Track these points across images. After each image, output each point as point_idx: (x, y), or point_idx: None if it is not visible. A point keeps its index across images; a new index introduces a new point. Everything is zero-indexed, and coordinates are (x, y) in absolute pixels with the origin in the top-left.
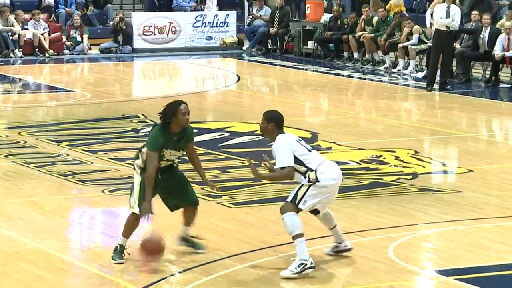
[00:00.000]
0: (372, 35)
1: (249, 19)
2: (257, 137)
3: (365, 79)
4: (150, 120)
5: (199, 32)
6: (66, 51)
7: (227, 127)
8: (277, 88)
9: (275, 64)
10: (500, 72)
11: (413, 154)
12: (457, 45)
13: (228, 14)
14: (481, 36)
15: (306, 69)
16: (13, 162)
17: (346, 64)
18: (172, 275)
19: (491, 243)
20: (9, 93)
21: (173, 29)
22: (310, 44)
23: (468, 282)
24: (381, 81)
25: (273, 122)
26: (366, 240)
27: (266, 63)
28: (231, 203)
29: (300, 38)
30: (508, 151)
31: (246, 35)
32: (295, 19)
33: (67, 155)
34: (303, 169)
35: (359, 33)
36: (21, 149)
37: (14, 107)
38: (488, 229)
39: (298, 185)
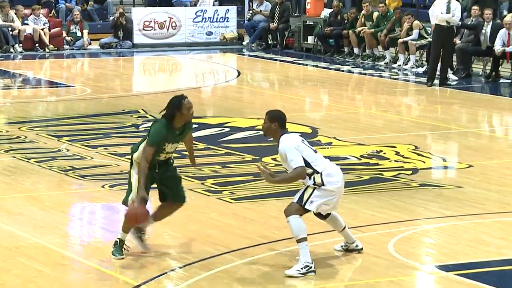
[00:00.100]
0: (372, 30)
1: (249, 14)
2: (257, 133)
3: (365, 74)
4: (150, 115)
5: (199, 27)
6: (66, 46)
7: (227, 122)
8: (277, 84)
9: (275, 59)
10: (500, 67)
11: (413, 150)
12: (457, 41)
13: (228, 9)
14: (483, 31)
15: (306, 65)
16: (13, 157)
17: (346, 60)
18: (172, 270)
19: (491, 238)
20: (9, 88)
21: (173, 24)
22: (310, 39)
23: (468, 278)
24: (381, 76)
25: (276, 122)
26: (366, 236)
27: (266, 58)
28: (231, 198)
29: (300, 33)
30: (508, 147)
31: (246, 30)
32: (295, 14)
33: (67, 150)
34: (309, 170)
35: (359, 28)
36: (21, 144)
37: (14, 102)
38: (488, 225)
39: (303, 187)
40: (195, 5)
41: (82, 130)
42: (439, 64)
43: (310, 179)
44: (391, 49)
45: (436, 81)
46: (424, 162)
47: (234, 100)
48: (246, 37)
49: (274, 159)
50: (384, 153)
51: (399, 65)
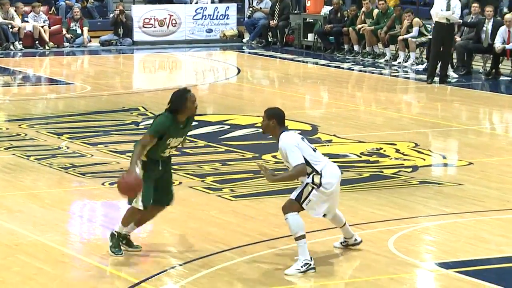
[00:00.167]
0: (373, 27)
1: (249, 12)
2: (258, 130)
3: (365, 71)
4: (151, 112)
5: (199, 25)
6: (66, 44)
7: (227, 120)
8: (277, 81)
9: (275, 57)
10: (500, 64)
11: (414, 147)
12: (457, 38)
13: (228, 7)
14: (484, 29)
15: (307, 62)
16: (13, 154)
17: (347, 57)
18: (172, 267)
19: (491, 235)
20: (9, 86)
21: (173, 21)
22: (310, 36)
23: (468, 275)
24: (381, 73)
25: (275, 119)
26: (366, 233)
27: (266, 55)
28: (231, 196)
29: (301, 31)
30: (508, 144)
31: (246, 28)
32: (295, 12)
33: (67, 147)
34: (309, 169)
35: (359, 26)
36: (21, 142)
37: (14, 99)
38: (488, 222)
39: (302, 184)
40: (196, 3)
41: (82, 127)
42: (439, 61)
43: (308, 178)
44: (391, 46)
45: (436, 79)
46: (424, 160)
47: (234, 98)
48: (246, 34)
49: (274, 157)
50: (384, 151)
51: (399, 63)
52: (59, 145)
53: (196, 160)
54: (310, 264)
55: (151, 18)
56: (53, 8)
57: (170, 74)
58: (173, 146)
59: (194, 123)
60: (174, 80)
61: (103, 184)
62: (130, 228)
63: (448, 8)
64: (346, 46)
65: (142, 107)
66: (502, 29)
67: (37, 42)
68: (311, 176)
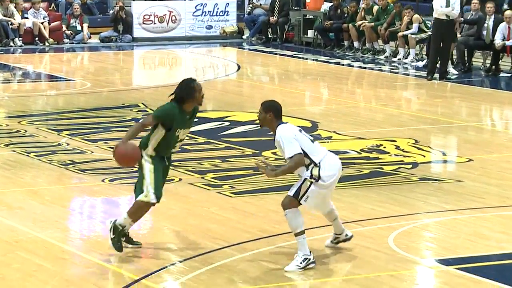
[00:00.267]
0: (372, 24)
1: (249, 8)
2: (257, 126)
3: (365, 68)
4: (150, 109)
5: (199, 21)
6: (66, 40)
7: (227, 116)
8: (277, 77)
9: (275, 53)
10: (500, 61)
11: (413, 144)
12: (458, 35)
13: (228, 3)
14: (485, 25)
15: (306, 58)
16: (13, 151)
17: (346, 53)
18: (172, 264)
19: (491, 232)
20: (9, 82)
21: (173, 18)
22: (310, 33)
23: (468, 272)
24: (381, 70)
25: (271, 112)
26: (366, 230)
27: (266, 52)
28: (231, 193)
29: (300, 27)
30: (508, 141)
31: (246, 24)
32: (295, 8)
33: (67, 144)
34: (307, 161)
35: (359, 22)
36: (21, 138)
37: (14, 96)
38: (488, 219)
39: (300, 179)
40: None
41: (82, 124)
42: (439, 58)
43: (307, 170)
44: (391, 43)
45: (436, 75)
46: (424, 156)
47: (234, 94)
48: (246, 31)
49: (274, 153)
50: (384, 147)
51: (399, 59)
52: (59, 141)
53: (196, 157)
54: (310, 259)
55: (151, 15)
56: (52, 5)
57: (170, 71)
58: (181, 138)
59: (194, 119)
60: (174, 77)
61: (103, 180)
62: (128, 225)
63: (447, 5)
64: (346, 43)
65: (142, 103)
66: (502, 26)
67: (37, 38)
68: (309, 169)
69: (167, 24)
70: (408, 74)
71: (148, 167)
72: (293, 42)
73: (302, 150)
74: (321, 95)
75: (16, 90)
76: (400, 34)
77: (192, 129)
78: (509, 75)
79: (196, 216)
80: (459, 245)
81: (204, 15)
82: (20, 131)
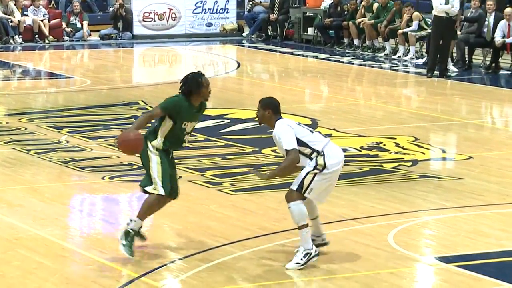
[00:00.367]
0: (372, 21)
1: (249, 6)
2: (257, 124)
3: (365, 65)
4: (150, 106)
5: (199, 19)
6: (66, 38)
7: (227, 114)
8: (277, 75)
9: (275, 51)
10: (500, 58)
11: (413, 141)
12: (458, 32)
13: (228, 1)
14: (486, 23)
15: (306, 56)
16: (13, 149)
17: (346, 51)
18: (172, 262)
19: (491, 230)
20: (9, 80)
21: (173, 15)
22: (310, 30)
23: (468, 269)
24: (381, 67)
25: (270, 109)
26: (366, 227)
27: (266, 49)
28: (231, 190)
29: (300, 25)
30: (508, 138)
31: (246, 22)
32: (295, 6)
33: (67, 141)
34: (307, 150)
35: (359, 20)
36: (21, 136)
37: (14, 93)
38: (488, 216)
39: (303, 172)
40: None
41: (82, 121)
42: (439, 55)
43: (311, 160)
44: (391, 40)
45: (436, 73)
46: (424, 154)
47: (234, 92)
48: (246, 28)
49: (274, 151)
50: (384, 145)
51: (399, 57)
52: (59, 139)
53: (196, 154)
54: (311, 254)
55: (150, 12)
56: (52, 2)
57: (170, 68)
58: (188, 131)
59: None
60: (174, 74)
61: (103, 178)
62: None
63: (447, 2)
64: (346, 40)
65: (142, 101)
66: (502, 23)
67: (36, 36)
68: (313, 159)
69: (167, 21)
70: (408, 72)
71: (155, 160)
72: (293, 40)
73: (302, 141)
74: (321, 93)
75: (16, 88)
76: (400, 31)
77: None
78: (509, 72)
79: (196, 213)
80: (459, 242)
81: (204, 13)
82: (20, 129)
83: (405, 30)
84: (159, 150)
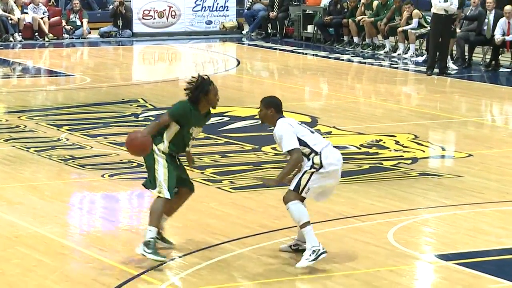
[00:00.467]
0: (372, 19)
1: (249, 3)
2: (257, 122)
3: (365, 63)
4: (150, 104)
5: (198, 16)
6: (65, 35)
7: (227, 112)
8: (277, 73)
9: (275, 49)
10: (500, 56)
11: (413, 139)
12: (457, 29)
13: None
14: (486, 21)
15: (306, 54)
16: (13, 146)
17: (346, 49)
18: (172, 259)
19: (490, 227)
20: (8, 77)
21: (173, 13)
22: (310, 28)
23: (468, 267)
24: (381, 65)
25: (272, 108)
26: (366, 225)
27: (266, 47)
28: (231, 188)
29: (300, 22)
30: (508, 136)
31: (246, 19)
32: (295, 3)
33: (67, 139)
34: (306, 150)
35: (359, 17)
36: (21, 134)
37: (13, 91)
38: (487, 214)
39: (300, 172)
40: None
41: (81, 119)
42: (439, 53)
43: (308, 161)
44: (390, 38)
45: (436, 70)
46: (423, 151)
47: (233, 89)
48: (246, 26)
49: (274, 149)
50: (384, 142)
51: (398, 54)
52: (59, 137)
53: (195, 152)
54: (319, 250)
55: (150, 10)
56: (52, 0)
57: (169, 66)
58: (194, 136)
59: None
60: (173, 72)
61: (102, 176)
62: (163, 222)
63: (446, 0)
64: (345, 38)
65: (142, 98)
66: (502, 21)
67: (36, 33)
68: (310, 158)
69: (167, 19)
70: (407, 69)
71: (161, 163)
72: (292, 37)
73: (302, 140)
74: (320, 90)
75: (15, 85)
76: (400, 29)
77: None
78: (509, 70)
79: (196, 211)
80: (459, 240)
81: (204, 10)
82: (19, 126)
83: (405, 28)
84: (165, 154)
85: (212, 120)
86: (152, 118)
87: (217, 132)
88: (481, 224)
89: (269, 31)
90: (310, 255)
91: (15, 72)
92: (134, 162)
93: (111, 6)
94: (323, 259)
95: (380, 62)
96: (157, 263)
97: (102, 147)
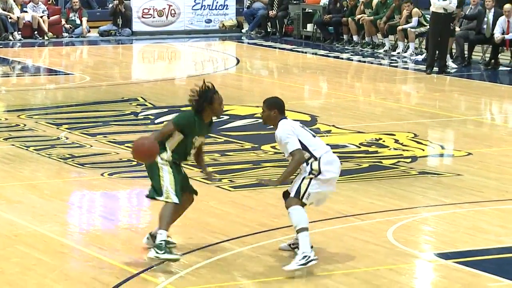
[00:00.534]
0: (372, 17)
1: (249, 2)
2: (257, 120)
3: (364, 62)
4: (150, 103)
5: (198, 15)
6: (65, 34)
7: (227, 110)
8: (277, 71)
9: (275, 47)
10: (499, 55)
11: (413, 137)
12: (457, 28)
13: None
14: (485, 19)
15: (306, 52)
16: (13, 145)
17: (346, 47)
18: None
19: (490, 226)
20: (8, 76)
21: (172, 11)
22: (309, 27)
23: (467, 265)
24: (380, 64)
25: (275, 109)
26: (365, 224)
27: (266, 46)
28: (230, 187)
29: (300, 21)
30: (507, 134)
31: (246, 18)
32: (295, 2)
33: (67, 138)
34: (306, 154)
35: (359, 16)
36: (21, 132)
37: (13, 90)
38: (487, 212)
39: (299, 178)
40: None
41: (81, 118)
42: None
43: (307, 165)
44: (390, 36)
45: (436, 69)
46: (423, 150)
47: (233, 88)
48: (245, 24)
49: (273, 147)
50: (383, 141)
51: (398, 53)
52: (58, 135)
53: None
54: (309, 257)
55: (150, 8)
56: None
57: (169, 65)
58: (196, 146)
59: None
60: (173, 71)
61: (102, 174)
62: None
63: None
64: (345, 36)
65: (141, 97)
66: (502, 19)
67: (36, 32)
68: (309, 164)
69: (166, 18)
70: (407, 68)
71: (166, 169)
72: (292, 36)
73: (302, 143)
74: (320, 89)
75: (15, 84)
76: (399, 28)
77: (181, 112)
78: (509, 68)
79: (195, 210)
80: (458, 239)
81: (203, 9)
82: (19, 125)
83: (404, 26)
84: (169, 162)
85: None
86: (152, 117)
87: (217, 130)
88: (481, 223)
89: (269, 30)
90: (300, 260)
91: (15, 71)
92: (134, 161)
93: (110, 5)
94: (322, 258)
95: (379, 61)
96: (156, 261)
97: (101, 146)
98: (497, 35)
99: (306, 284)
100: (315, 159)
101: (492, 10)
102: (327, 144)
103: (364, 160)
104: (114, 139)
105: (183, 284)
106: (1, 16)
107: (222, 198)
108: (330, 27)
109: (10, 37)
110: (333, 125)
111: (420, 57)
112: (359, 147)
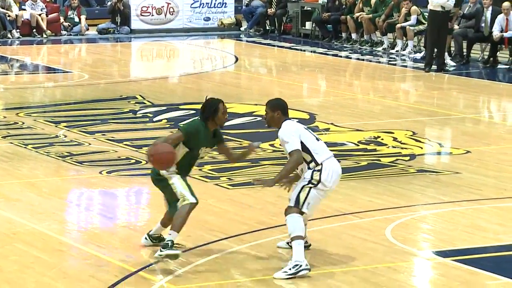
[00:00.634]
0: (370, 15)
1: (247, 0)
2: (255, 118)
3: (363, 60)
4: (148, 101)
5: (197, 13)
6: (63, 32)
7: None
8: (275, 69)
9: (273, 45)
10: (498, 53)
11: (411, 135)
12: (455, 26)
13: None
14: (483, 18)
15: (304, 50)
16: (11, 143)
17: (344, 45)
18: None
19: (488, 224)
20: (6, 74)
21: (171, 9)
22: (308, 25)
23: (465, 263)
24: (379, 62)
25: (279, 110)
26: (364, 222)
27: (264, 44)
28: (228, 185)
29: (298, 19)
30: (506, 132)
31: (244, 16)
32: (293, 0)
33: (65, 136)
34: (307, 157)
35: (357, 14)
36: (19, 130)
37: (11, 88)
38: (485, 210)
39: (299, 186)
40: None
41: (79, 116)
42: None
43: (309, 169)
44: (389, 34)
45: (434, 67)
46: (421, 148)
47: (231, 86)
48: (244, 22)
49: (272, 145)
50: (382, 139)
51: (397, 51)
52: (57, 133)
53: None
54: (301, 266)
55: (148, 6)
56: None
57: (167, 63)
58: (201, 156)
59: (191, 111)
60: (171, 69)
61: (100, 172)
62: (159, 229)
63: None
64: (344, 34)
65: (140, 95)
66: (500, 18)
67: (34, 30)
68: (311, 169)
69: (165, 16)
70: (406, 66)
71: (176, 177)
72: (291, 34)
73: (306, 146)
74: (319, 87)
75: (13, 82)
76: (398, 25)
77: (189, 121)
78: (507, 66)
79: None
80: (457, 237)
81: (202, 7)
82: (17, 123)
83: (403, 24)
84: (176, 172)
85: None
86: (150, 115)
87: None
88: (479, 221)
89: (267, 28)
90: (290, 269)
91: (13, 69)
92: (132, 159)
93: (109, 3)
94: (321, 256)
95: (378, 59)
96: (154, 259)
97: (100, 143)
98: (496, 33)
99: (304, 282)
100: (317, 163)
101: (490, 8)
102: (325, 142)
103: (363, 158)
104: (112, 137)
105: (182, 282)
106: None
107: (220, 196)
108: (328, 25)
109: (9, 35)
110: (331, 123)
111: (418, 55)
112: (358, 145)
